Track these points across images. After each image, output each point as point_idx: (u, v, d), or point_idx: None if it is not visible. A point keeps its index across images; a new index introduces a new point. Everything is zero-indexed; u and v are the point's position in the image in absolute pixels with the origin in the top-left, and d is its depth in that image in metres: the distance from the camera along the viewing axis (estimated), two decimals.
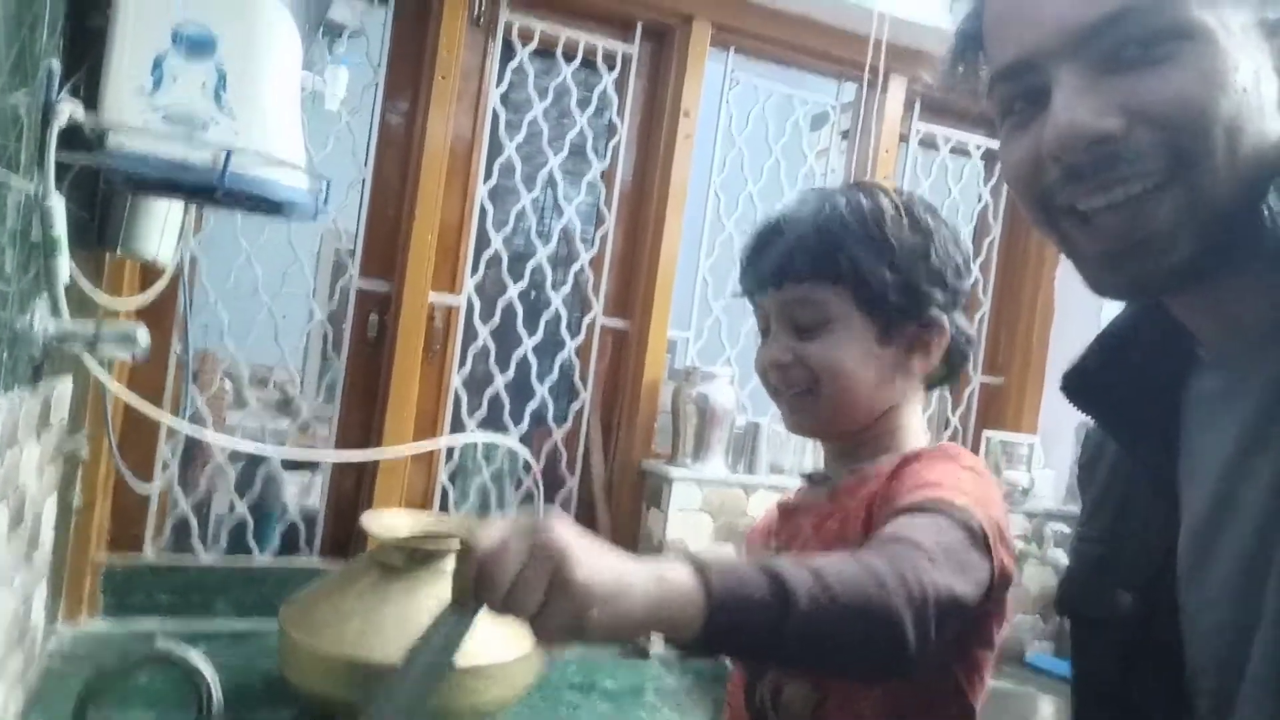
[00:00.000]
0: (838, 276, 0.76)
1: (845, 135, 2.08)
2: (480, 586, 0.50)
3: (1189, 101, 0.49)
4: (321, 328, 1.73)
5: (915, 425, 0.81)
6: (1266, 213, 0.49)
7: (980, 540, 0.63)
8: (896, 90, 2.03)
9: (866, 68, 1.87)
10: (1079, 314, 2.14)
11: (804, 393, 0.78)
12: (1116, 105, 0.50)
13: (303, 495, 1.80)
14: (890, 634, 0.54)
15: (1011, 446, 2.02)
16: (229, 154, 0.95)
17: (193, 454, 1.73)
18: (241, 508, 1.65)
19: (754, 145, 2.02)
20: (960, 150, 2.20)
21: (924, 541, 0.58)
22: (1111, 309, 2.13)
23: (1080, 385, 0.64)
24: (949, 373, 0.84)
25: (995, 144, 2.11)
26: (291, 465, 1.79)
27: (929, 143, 2.17)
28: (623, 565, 0.51)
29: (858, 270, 0.76)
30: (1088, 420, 1.93)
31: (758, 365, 0.82)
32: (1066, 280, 2.18)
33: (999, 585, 0.66)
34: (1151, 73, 0.50)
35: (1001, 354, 2.27)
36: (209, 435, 1.26)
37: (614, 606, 0.50)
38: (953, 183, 2.21)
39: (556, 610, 0.49)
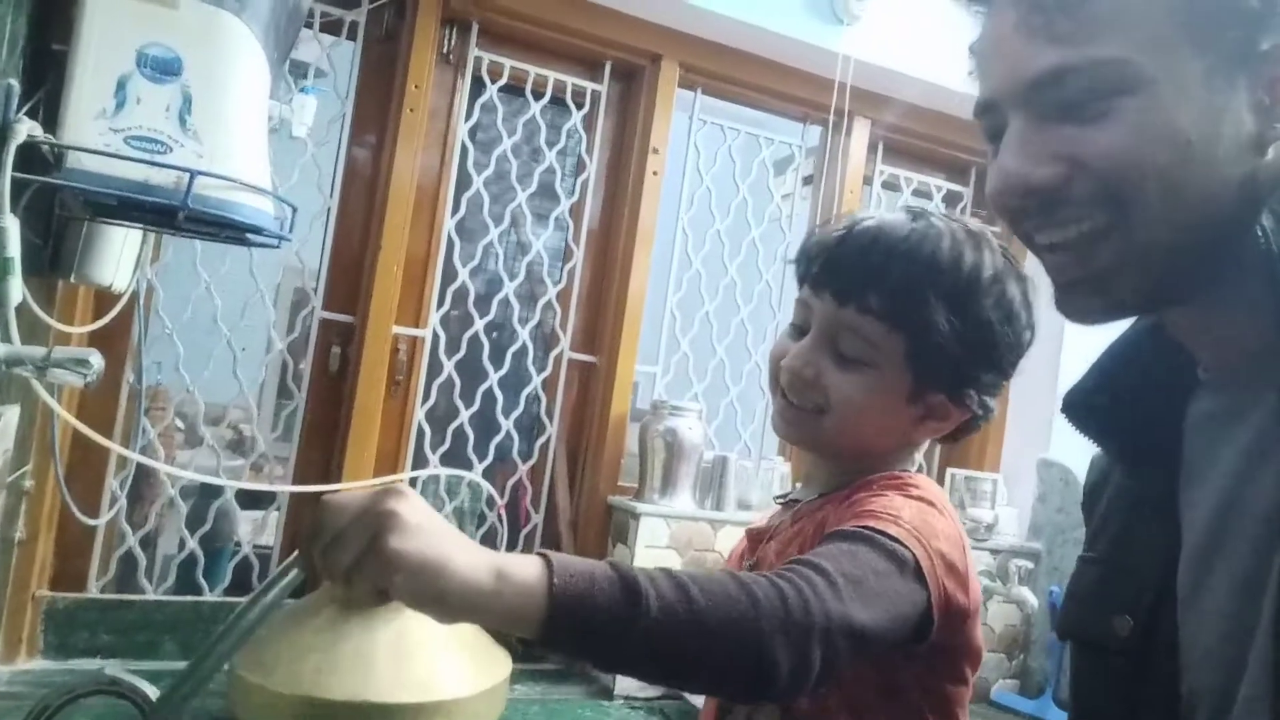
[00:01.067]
0: (901, 323, 0.72)
1: (807, 180, 2.11)
2: (308, 541, 0.52)
3: (1124, 156, 0.51)
4: (281, 360, 1.69)
5: (901, 466, 0.80)
6: (1260, 234, 0.50)
7: (910, 569, 0.61)
8: (861, 133, 2.07)
9: (831, 110, 1.91)
10: (1042, 353, 2.17)
11: (809, 408, 0.75)
12: (1055, 155, 0.52)
13: (257, 533, 1.75)
14: (753, 656, 0.52)
15: (975, 483, 2.03)
16: (193, 175, 0.94)
17: (142, 489, 1.68)
18: (192, 543, 1.60)
19: (721, 183, 2.04)
20: (922, 192, 2.24)
21: (829, 567, 0.56)
22: (1072, 342, 2.13)
23: (1080, 406, 0.64)
24: (950, 438, 0.81)
25: (958, 187, 2.14)
26: (247, 503, 1.74)
27: (892, 185, 2.21)
28: (452, 546, 0.51)
29: (926, 330, 0.71)
30: (1052, 458, 1.92)
31: (774, 355, 0.77)
32: None
33: (949, 616, 0.64)
34: (1092, 126, 0.52)
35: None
36: (162, 466, 1.22)
37: (423, 581, 0.50)
38: None
39: (363, 572, 0.51)
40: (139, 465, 1.43)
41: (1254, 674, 0.50)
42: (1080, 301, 0.56)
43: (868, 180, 2.15)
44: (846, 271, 0.73)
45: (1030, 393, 2.20)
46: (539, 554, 0.52)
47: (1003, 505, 2.08)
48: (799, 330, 0.77)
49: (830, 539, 0.63)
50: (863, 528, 0.63)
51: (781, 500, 0.85)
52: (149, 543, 1.62)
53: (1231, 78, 0.51)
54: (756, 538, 0.82)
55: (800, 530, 0.75)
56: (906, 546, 0.62)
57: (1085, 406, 0.64)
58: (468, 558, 0.50)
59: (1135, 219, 0.52)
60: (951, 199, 2.27)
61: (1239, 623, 0.52)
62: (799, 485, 0.85)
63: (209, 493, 1.67)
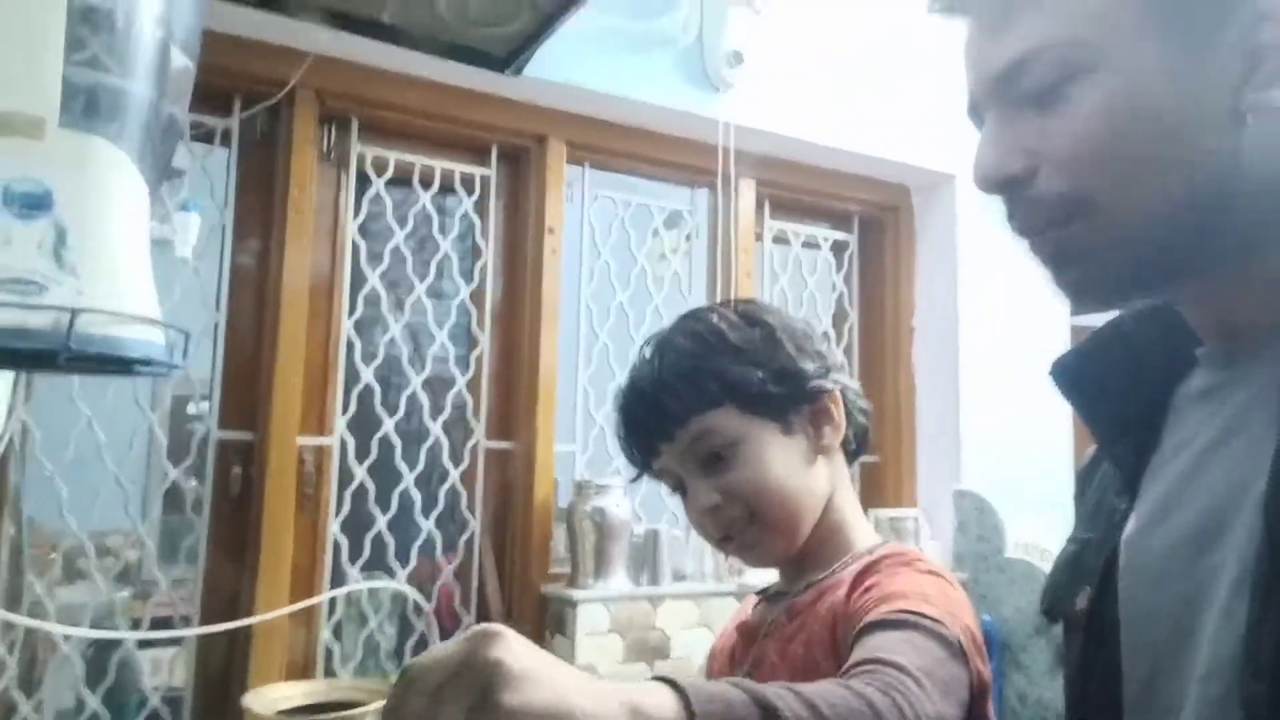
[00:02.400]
0: (715, 399, 0.76)
1: (688, 238, 2.13)
2: (401, 707, 0.44)
3: (1086, 142, 0.51)
4: (176, 488, 1.58)
5: (854, 514, 0.81)
6: None
7: (957, 652, 0.62)
8: (747, 192, 2.13)
9: (719, 174, 1.96)
10: (940, 389, 2.25)
11: (747, 525, 0.76)
12: (1022, 148, 0.53)
13: (163, 674, 1.61)
14: None
15: (899, 522, 2.07)
16: (74, 314, 0.87)
17: (35, 651, 1.52)
18: (94, 703, 1.46)
19: (619, 255, 2.05)
20: (811, 244, 2.32)
21: (908, 665, 0.56)
22: (968, 376, 2.19)
23: (1070, 372, 0.64)
24: (860, 431, 0.84)
25: (844, 235, 2.21)
26: (149, 641, 1.61)
27: (781, 239, 2.27)
28: (573, 691, 0.44)
29: (728, 383, 0.76)
30: (965, 489, 1.97)
31: (691, 521, 0.80)
32: (924, 357, 2.30)
33: (979, 695, 0.64)
34: (1055, 114, 0.52)
35: (873, 433, 2.34)
36: (58, 628, 1.11)
37: None
38: (808, 274, 2.31)
39: None
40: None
41: (1216, 633, 0.49)
42: (1066, 285, 0.56)
43: (759, 236, 2.20)
44: (645, 422, 0.79)
45: (935, 427, 2.27)
46: (663, 680, 0.48)
47: (926, 539, 2.12)
48: (679, 489, 0.81)
49: (878, 630, 0.62)
50: (905, 613, 0.63)
51: (764, 594, 0.83)
52: (47, 710, 1.47)
53: (1199, 51, 0.50)
54: (750, 634, 0.80)
55: (802, 626, 0.74)
56: (947, 626, 0.63)
57: (1076, 374, 0.64)
58: (594, 703, 0.44)
59: (1101, 205, 0.52)
60: (838, 248, 2.36)
61: (1187, 577, 0.52)
62: (778, 580, 0.83)
63: (108, 641, 1.53)
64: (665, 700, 0.47)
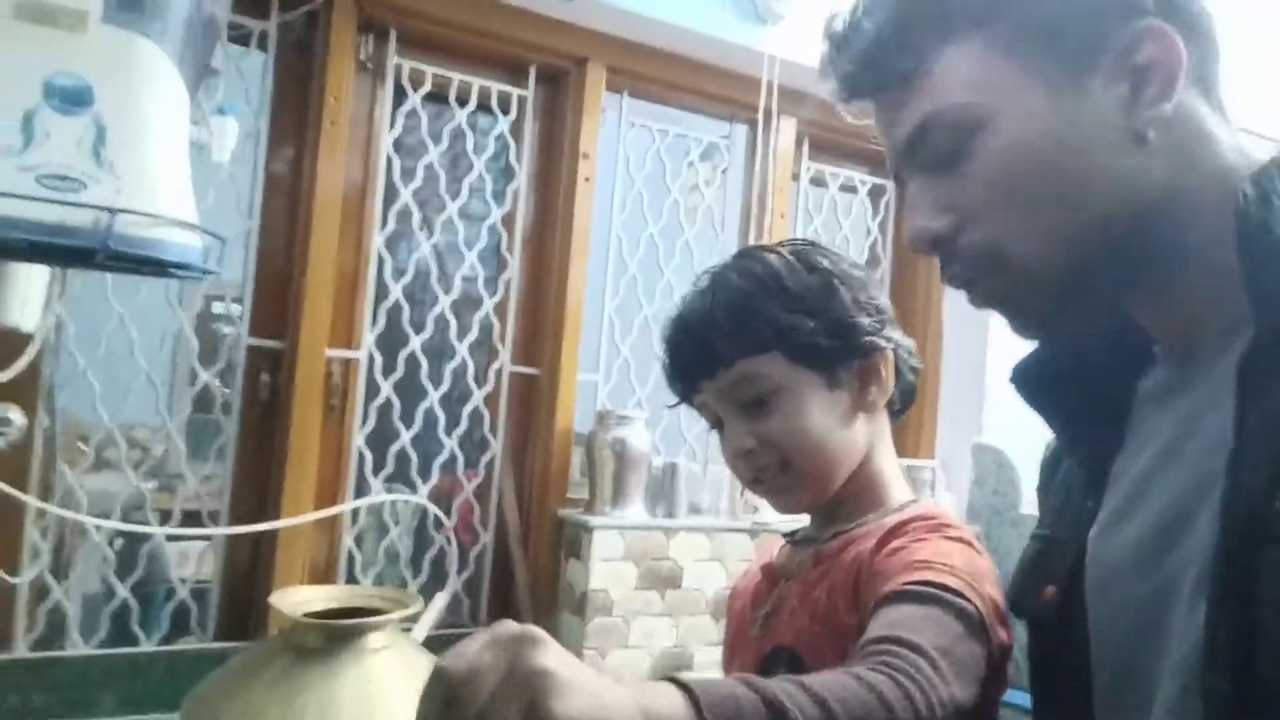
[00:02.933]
0: (763, 344, 0.75)
1: (723, 171, 2.10)
2: (447, 716, 0.43)
3: (994, 191, 0.54)
4: (206, 390, 1.61)
5: (890, 470, 0.80)
6: (1241, 200, 0.49)
7: (977, 627, 0.62)
8: (787, 130, 2.08)
9: (760, 109, 1.91)
10: (967, 341, 2.23)
11: (779, 473, 0.76)
12: (941, 207, 0.56)
13: (190, 566, 1.66)
14: None
15: (915, 472, 2.08)
16: (113, 214, 0.87)
17: (64, 535, 1.58)
18: (124, 591, 1.51)
19: (652, 186, 2.02)
20: (848, 187, 2.27)
21: (925, 644, 0.56)
22: (997, 327, 2.18)
23: (1030, 376, 0.65)
24: (907, 390, 0.83)
25: (881, 180, 2.19)
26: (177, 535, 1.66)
27: (819, 181, 2.23)
28: (605, 693, 0.45)
29: (779, 330, 0.75)
30: (985, 442, 1.97)
31: (726, 460, 0.79)
32: (954, 310, 2.27)
33: (1000, 661, 0.65)
34: (962, 172, 0.55)
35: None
36: (88, 519, 1.14)
37: None
38: (843, 218, 2.28)
39: None
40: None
41: (1183, 627, 0.50)
42: (1014, 326, 0.59)
43: (795, 177, 2.17)
44: (689, 357, 0.78)
45: (959, 379, 2.26)
46: (672, 682, 0.48)
47: (942, 491, 2.13)
48: (716, 425, 0.80)
49: (899, 601, 0.62)
50: (926, 585, 0.63)
51: (791, 538, 0.84)
52: (76, 594, 1.53)
53: (1080, 83, 0.52)
54: (774, 576, 0.81)
55: (825, 573, 0.74)
56: (969, 599, 0.62)
57: (1036, 377, 0.65)
58: (623, 702, 0.45)
59: (1014, 253, 0.54)
60: (876, 192, 2.31)
61: (1153, 570, 0.53)
62: (807, 524, 0.84)
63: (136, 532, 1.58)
64: (675, 702, 0.47)
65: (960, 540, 0.69)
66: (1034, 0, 0.53)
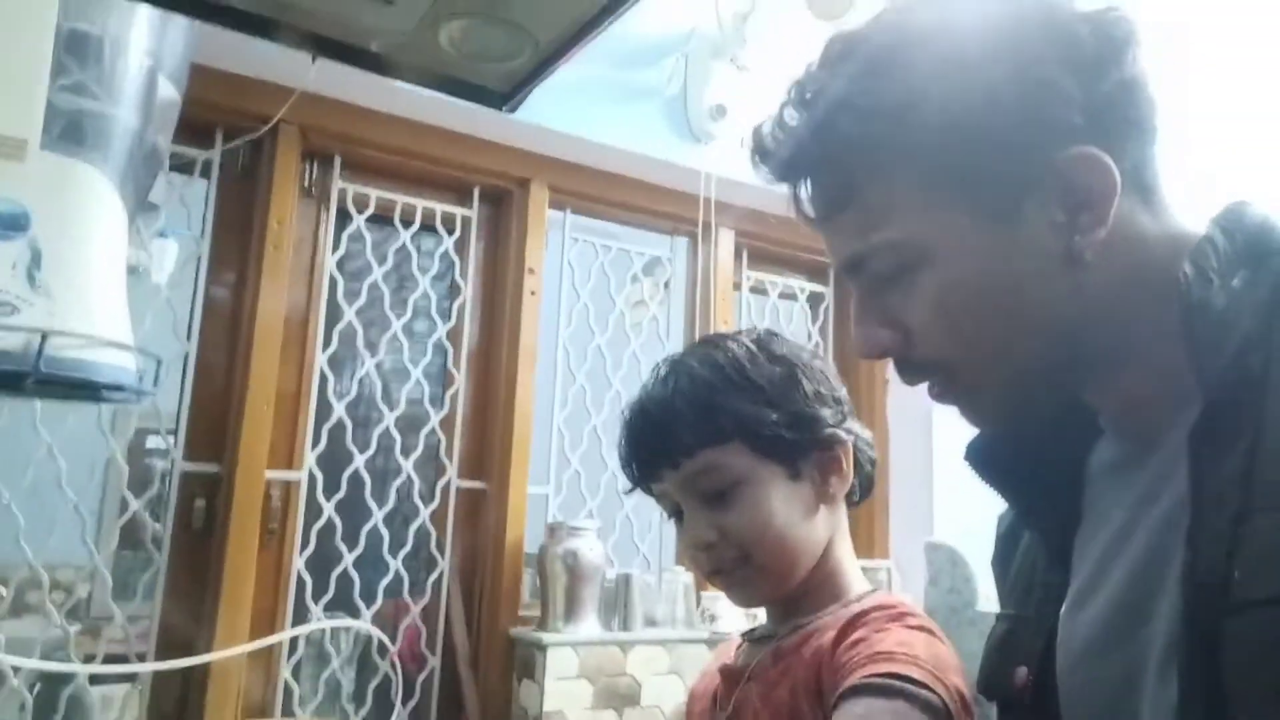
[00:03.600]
0: (726, 435, 0.74)
1: (666, 285, 2.15)
2: None
3: (934, 323, 0.55)
4: (135, 520, 1.54)
5: (849, 561, 0.79)
6: (1182, 281, 0.50)
7: (942, 717, 0.61)
8: (726, 242, 2.15)
9: (699, 223, 1.98)
10: (912, 440, 2.27)
11: (740, 565, 0.75)
12: (889, 320, 0.57)
13: (114, 711, 1.55)
14: None
15: (871, 573, 2.06)
16: (45, 336, 0.86)
17: None
18: None
19: (598, 299, 2.06)
20: (788, 295, 2.34)
21: None
22: (941, 423, 2.19)
23: (983, 454, 0.65)
24: (865, 481, 0.82)
25: (819, 288, 2.23)
26: (100, 678, 1.55)
27: (759, 289, 2.30)
28: None
29: (741, 421, 0.74)
30: (938, 541, 1.98)
31: (683, 552, 0.78)
32: (897, 410, 2.32)
33: None
34: (904, 294, 0.56)
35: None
36: (9, 659, 1.07)
37: None
38: (784, 324, 2.33)
39: None
40: None
41: (1153, 705, 0.49)
42: (971, 421, 0.60)
43: (737, 286, 2.23)
44: (651, 445, 0.77)
45: (910, 478, 2.28)
46: None
47: (898, 591, 2.11)
48: (676, 515, 0.79)
49: (864, 694, 0.61)
50: (890, 677, 0.62)
51: (749, 636, 0.82)
52: None
53: (1012, 214, 0.53)
54: (733, 677, 0.78)
55: (786, 670, 0.72)
56: (935, 691, 0.62)
57: (988, 454, 0.64)
58: None
59: (965, 370, 0.56)
60: (814, 299, 2.38)
61: (1118, 649, 0.53)
62: (764, 621, 0.82)
63: (56, 674, 1.48)
64: None
65: (922, 629, 0.69)
66: (960, 135, 0.53)
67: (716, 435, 0.74)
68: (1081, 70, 0.52)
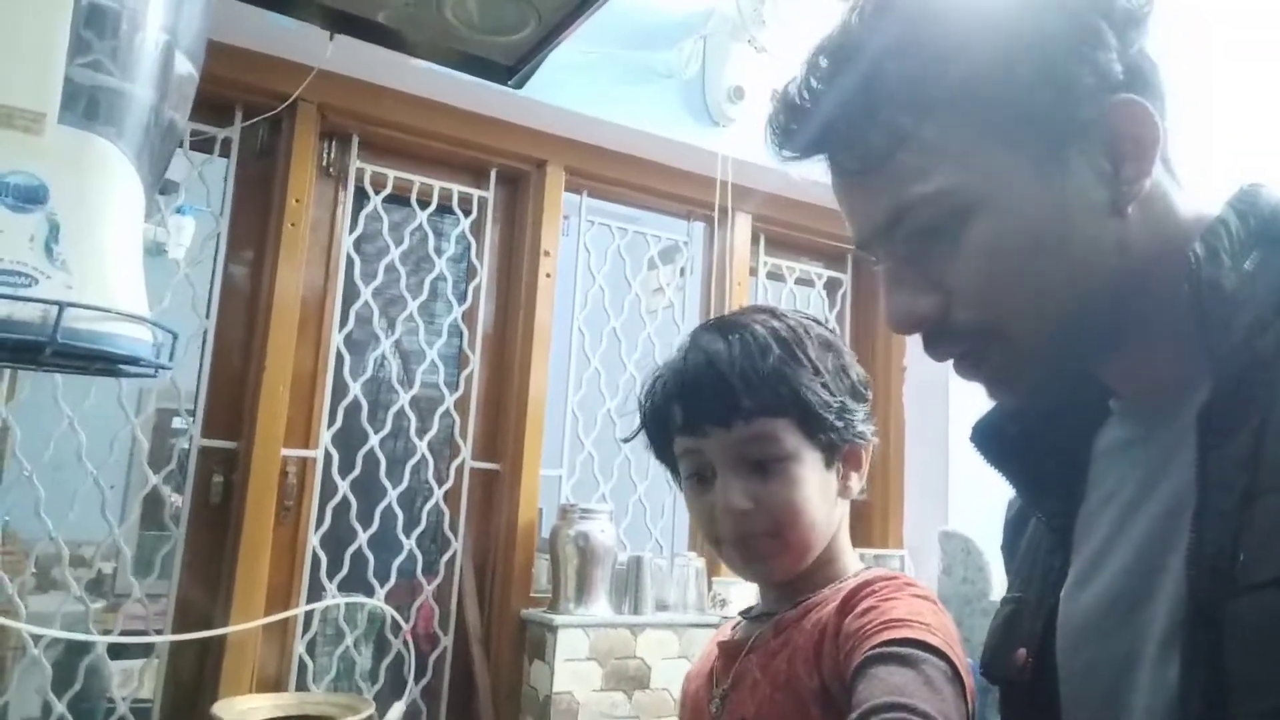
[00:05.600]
0: (784, 409, 0.73)
1: (683, 272, 2.14)
2: None
3: (985, 278, 0.52)
4: (155, 494, 1.56)
5: (848, 545, 0.80)
6: (1193, 260, 0.50)
7: (960, 685, 0.61)
8: (743, 227, 2.14)
9: (716, 207, 1.97)
10: (929, 430, 2.25)
11: (765, 538, 0.74)
12: (930, 285, 0.54)
13: (126, 683, 1.58)
14: None
15: (885, 560, 2.06)
16: (61, 307, 0.87)
17: (3, 659, 1.50)
18: (60, 707, 1.43)
19: (613, 282, 2.06)
20: (805, 281, 2.33)
21: (932, 711, 0.56)
22: (958, 415, 2.18)
23: (990, 435, 0.64)
24: (867, 483, 0.82)
25: (837, 274, 2.22)
26: (119, 651, 1.58)
27: (776, 275, 2.29)
28: None
29: (801, 400, 0.73)
30: (952, 530, 1.96)
31: (700, 515, 0.77)
32: (914, 399, 2.30)
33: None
34: (948, 253, 0.53)
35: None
36: (26, 627, 1.09)
37: None
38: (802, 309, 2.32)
39: None
40: None
41: (1151, 689, 0.49)
42: (997, 395, 0.58)
43: (753, 271, 2.22)
44: (714, 398, 0.74)
45: (925, 467, 2.27)
46: None
47: None
48: (700, 479, 0.77)
49: (889, 663, 0.61)
50: (909, 642, 0.62)
51: (746, 615, 0.82)
52: (15, 717, 1.44)
53: (1061, 160, 0.51)
54: (732, 651, 0.78)
55: (786, 641, 0.72)
56: (948, 657, 0.62)
57: (995, 436, 0.63)
58: None
59: (1012, 330, 0.53)
60: (832, 285, 2.37)
61: (1118, 633, 0.52)
62: (760, 603, 0.82)
63: (76, 646, 1.50)
64: None
65: (927, 599, 0.69)
66: (1009, 80, 0.51)
67: (776, 406, 0.73)
68: (1117, 27, 0.51)
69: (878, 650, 0.62)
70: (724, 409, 0.73)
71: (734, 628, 0.82)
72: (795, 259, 2.30)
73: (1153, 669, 0.49)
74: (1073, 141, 0.52)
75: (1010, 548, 0.70)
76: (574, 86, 1.77)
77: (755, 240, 2.20)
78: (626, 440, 0.83)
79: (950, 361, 0.57)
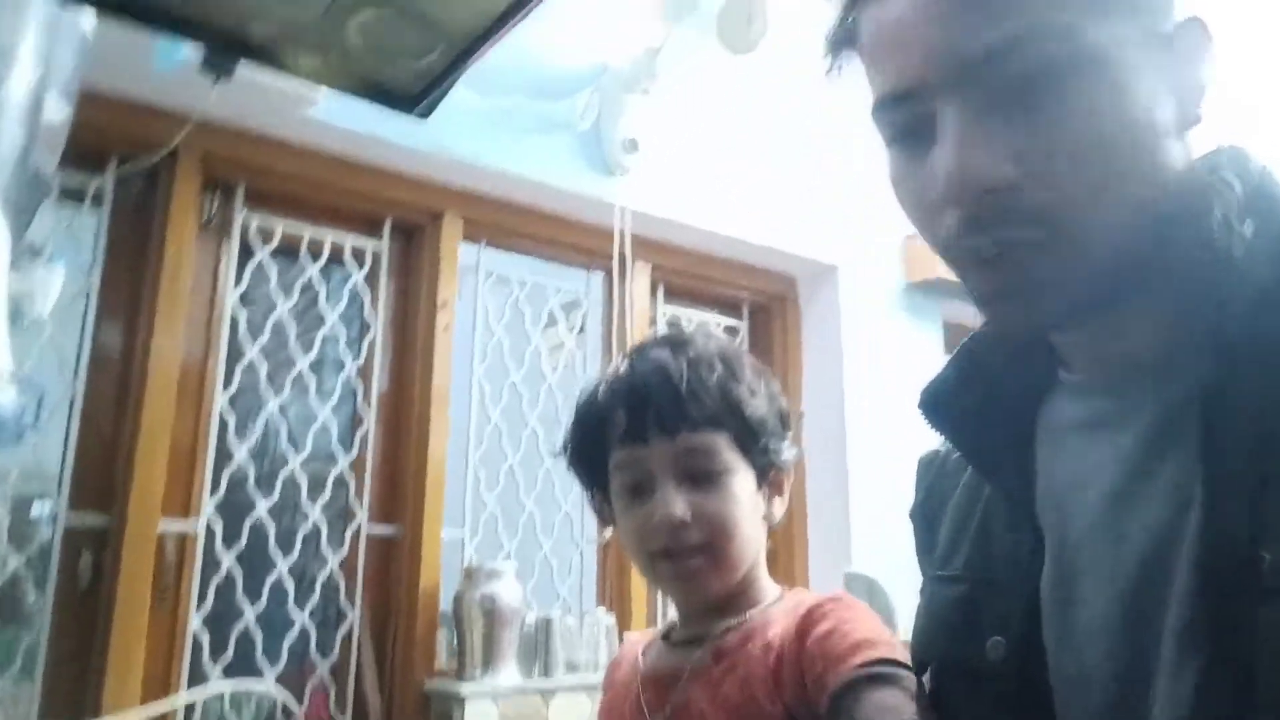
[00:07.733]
0: (726, 423, 0.73)
1: (583, 324, 2.12)
2: None
3: (1076, 149, 0.46)
4: (15, 584, 1.41)
5: (766, 576, 0.79)
6: (1217, 225, 0.46)
7: (925, 698, 0.62)
8: (642, 277, 2.15)
9: (614, 257, 1.97)
10: (829, 471, 2.29)
11: (697, 553, 0.72)
12: (1009, 151, 0.46)
13: None
14: None
15: None
16: None
17: None
18: None
19: (513, 334, 2.02)
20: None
21: None
22: (855, 469, 2.21)
23: (939, 402, 0.61)
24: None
25: (734, 322, 2.24)
26: None
27: (675, 325, 2.30)
28: None
29: (744, 416, 0.74)
30: (855, 571, 1.98)
31: (636, 525, 0.74)
32: (814, 442, 2.34)
33: None
34: (1043, 114, 0.46)
35: None
36: None
37: None
38: None
39: None
40: None
41: (1170, 702, 0.46)
42: (1008, 313, 0.51)
43: (653, 321, 2.22)
44: (662, 405, 0.74)
45: (826, 509, 2.30)
46: None
47: None
48: (636, 491, 0.75)
49: (874, 686, 0.61)
50: (888, 665, 0.62)
51: (666, 640, 0.79)
52: None
53: (1153, 55, 0.47)
54: (665, 681, 0.74)
55: (731, 668, 0.70)
56: (910, 670, 0.63)
57: (946, 404, 0.60)
58: None
59: (1077, 230, 0.47)
60: (729, 334, 2.40)
61: (1124, 641, 0.49)
62: (679, 624, 0.80)
63: None
64: None
65: (875, 617, 0.70)
66: None
67: (719, 419, 0.73)
68: None
69: (862, 672, 0.62)
70: (671, 417, 0.73)
71: (649, 655, 0.79)
72: (694, 308, 2.32)
73: (1168, 676, 0.46)
74: (1167, 39, 0.48)
75: (931, 518, 0.66)
76: (470, 136, 1.75)
77: (654, 290, 2.21)
78: (556, 455, 0.81)
79: (973, 265, 0.50)
